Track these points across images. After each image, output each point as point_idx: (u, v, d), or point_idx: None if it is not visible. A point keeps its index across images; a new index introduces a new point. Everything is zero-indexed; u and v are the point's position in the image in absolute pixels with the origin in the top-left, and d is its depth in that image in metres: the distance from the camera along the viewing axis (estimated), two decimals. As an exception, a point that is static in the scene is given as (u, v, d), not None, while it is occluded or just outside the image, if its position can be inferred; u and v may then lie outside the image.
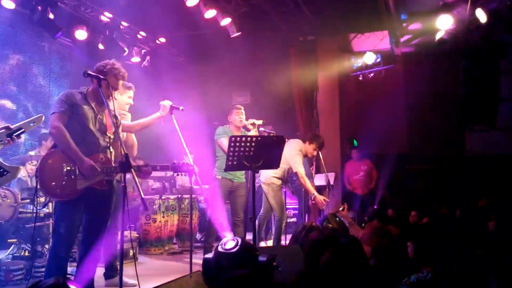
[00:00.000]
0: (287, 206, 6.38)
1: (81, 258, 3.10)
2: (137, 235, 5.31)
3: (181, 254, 5.62)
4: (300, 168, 4.97)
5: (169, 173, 7.03)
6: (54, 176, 2.92)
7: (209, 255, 2.51)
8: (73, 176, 2.95)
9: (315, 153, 5.23)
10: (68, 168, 2.95)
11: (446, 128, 7.45)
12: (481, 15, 5.65)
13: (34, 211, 4.48)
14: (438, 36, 6.33)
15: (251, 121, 4.88)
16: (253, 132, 4.79)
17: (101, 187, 3.07)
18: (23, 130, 3.12)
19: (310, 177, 6.16)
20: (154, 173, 6.74)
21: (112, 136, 3.20)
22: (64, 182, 2.93)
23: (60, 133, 2.96)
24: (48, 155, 3.02)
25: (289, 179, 5.80)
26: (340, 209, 4.61)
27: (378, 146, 7.63)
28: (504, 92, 7.03)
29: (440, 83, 7.40)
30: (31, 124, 3.18)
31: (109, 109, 3.03)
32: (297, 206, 6.97)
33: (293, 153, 5.01)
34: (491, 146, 7.12)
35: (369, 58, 7.39)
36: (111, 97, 3.14)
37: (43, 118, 3.21)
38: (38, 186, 2.95)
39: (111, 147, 3.18)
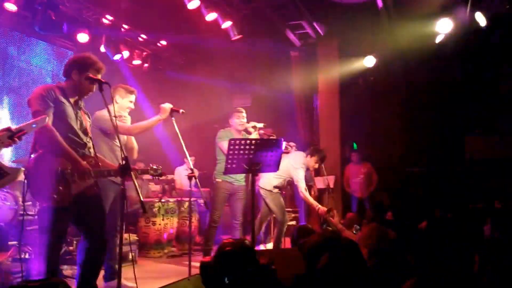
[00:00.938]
0: (287, 209, 6.39)
1: (86, 263, 2.96)
2: (136, 238, 5.31)
3: (180, 257, 5.62)
4: (301, 183, 4.96)
5: (170, 176, 7.05)
6: (48, 181, 2.71)
7: (207, 259, 2.51)
8: (69, 180, 2.78)
9: (316, 166, 5.22)
10: (64, 171, 2.77)
11: (446, 131, 7.46)
12: (481, 19, 5.67)
13: (32, 213, 4.49)
14: (438, 39, 6.35)
15: (252, 124, 4.90)
16: (254, 135, 4.81)
17: (90, 191, 2.90)
18: (24, 131, 3.08)
19: (310, 180, 6.17)
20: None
21: (91, 136, 3.06)
22: (60, 187, 2.73)
23: (50, 133, 2.75)
24: (37, 158, 2.79)
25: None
26: (329, 215, 4.63)
27: (378, 149, 7.64)
28: (504, 96, 7.05)
29: (440, 86, 7.41)
30: (33, 126, 3.12)
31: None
32: (297, 209, 6.97)
33: (297, 166, 4.99)
34: (490, 150, 7.12)
35: (369, 62, 7.42)
36: (91, 93, 3.00)
37: (47, 120, 3.14)
38: (30, 193, 2.74)
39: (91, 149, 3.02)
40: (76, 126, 2.93)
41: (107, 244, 3.05)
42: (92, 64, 2.97)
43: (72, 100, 2.97)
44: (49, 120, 2.77)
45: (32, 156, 2.83)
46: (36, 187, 2.75)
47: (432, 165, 7.42)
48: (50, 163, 2.76)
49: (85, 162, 2.85)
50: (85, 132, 2.99)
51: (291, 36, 7.59)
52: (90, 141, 3.04)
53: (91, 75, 2.94)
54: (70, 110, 2.92)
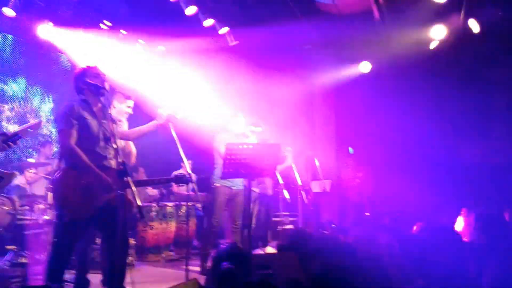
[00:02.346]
0: (284, 213, 6.41)
1: (111, 264, 3.05)
2: (134, 242, 5.32)
3: (178, 261, 5.62)
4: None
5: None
6: (75, 195, 2.87)
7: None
8: (95, 193, 2.91)
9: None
10: (89, 185, 2.90)
11: (441, 136, 7.51)
12: (474, 26, 5.74)
13: (30, 218, 4.50)
14: (432, 45, 6.41)
15: (249, 128, 4.92)
16: (252, 140, 4.84)
17: (115, 199, 2.94)
18: (20, 136, 3.07)
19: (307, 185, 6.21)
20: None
21: (116, 146, 3.08)
22: (87, 200, 2.88)
23: (74, 153, 2.90)
24: (63, 173, 2.93)
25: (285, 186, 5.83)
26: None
27: (374, 154, 7.68)
28: (500, 102, 7.11)
29: (434, 92, 7.47)
30: (29, 130, 3.09)
31: (110, 114, 3.00)
32: (294, 213, 6.98)
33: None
34: (485, 155, 7.17)
35: (365, 68, 7.50)
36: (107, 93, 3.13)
37: (42, 124, 3.16)
38: (55, 205, 2.94)
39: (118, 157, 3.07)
40: (101, 138, 3.05)
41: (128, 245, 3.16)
42: (89, 70, 3.14)
43: (96, 109, 3.09)
44: (72, 139, 2.92)
45: (58, 171, 2.97)
46: (62, 200, 2.89)
47: (428, 170, 7.47)
48: (76, 178, 2.90)
49: (107, 178, 2.93)
50: (108, 143, 3.07)
51: (288, 41, 7.64)
52: (114, 151, 3.04)
53: (88, 80, 3.06)
54: (93, 124, 3.05)
